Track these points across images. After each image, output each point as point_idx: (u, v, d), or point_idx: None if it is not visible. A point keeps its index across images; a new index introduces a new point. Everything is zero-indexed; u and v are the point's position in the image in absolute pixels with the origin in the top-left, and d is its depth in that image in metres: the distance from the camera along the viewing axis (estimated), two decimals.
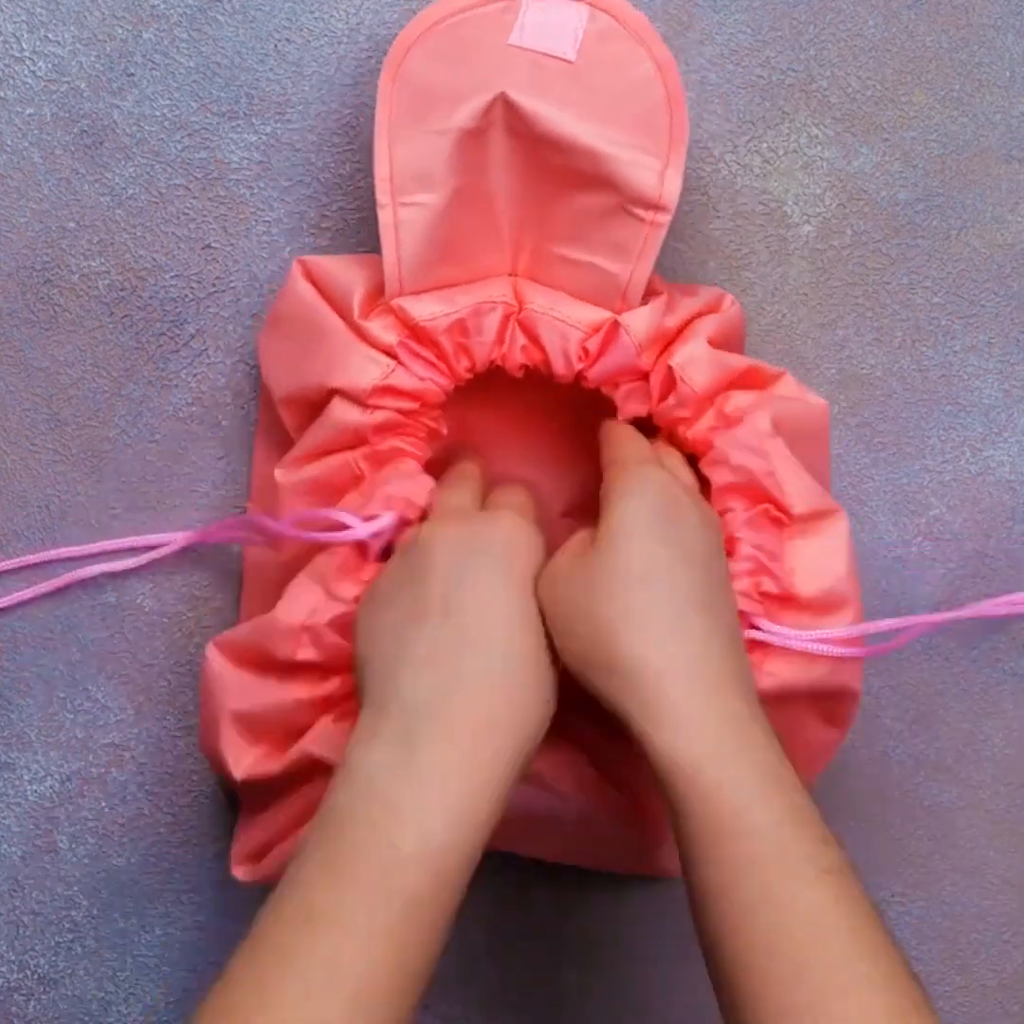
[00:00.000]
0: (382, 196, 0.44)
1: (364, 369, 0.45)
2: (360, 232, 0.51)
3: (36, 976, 0.52)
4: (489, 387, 0.49)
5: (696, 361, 0.46)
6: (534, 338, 0.46)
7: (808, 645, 0.45)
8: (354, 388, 0.45)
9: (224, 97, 0.50)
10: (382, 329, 0.46)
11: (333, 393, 0.46)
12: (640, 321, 0.45)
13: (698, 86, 0.51)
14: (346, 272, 0.47)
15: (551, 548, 0.46)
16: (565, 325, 0.46)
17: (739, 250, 0.52)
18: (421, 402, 0.46)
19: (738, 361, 0.47)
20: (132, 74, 0.50)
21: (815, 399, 0.49)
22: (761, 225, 0.52)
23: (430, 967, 0.37)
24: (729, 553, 0.45)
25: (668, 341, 0.47)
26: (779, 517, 0.46)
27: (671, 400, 0.46)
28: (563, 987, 0.53)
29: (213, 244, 0.51)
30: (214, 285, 0.51)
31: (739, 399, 0.47)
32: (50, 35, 0.49)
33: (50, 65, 0.49)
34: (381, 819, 0.37)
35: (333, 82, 0.50)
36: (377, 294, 0.47)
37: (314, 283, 0.47)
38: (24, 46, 0.49)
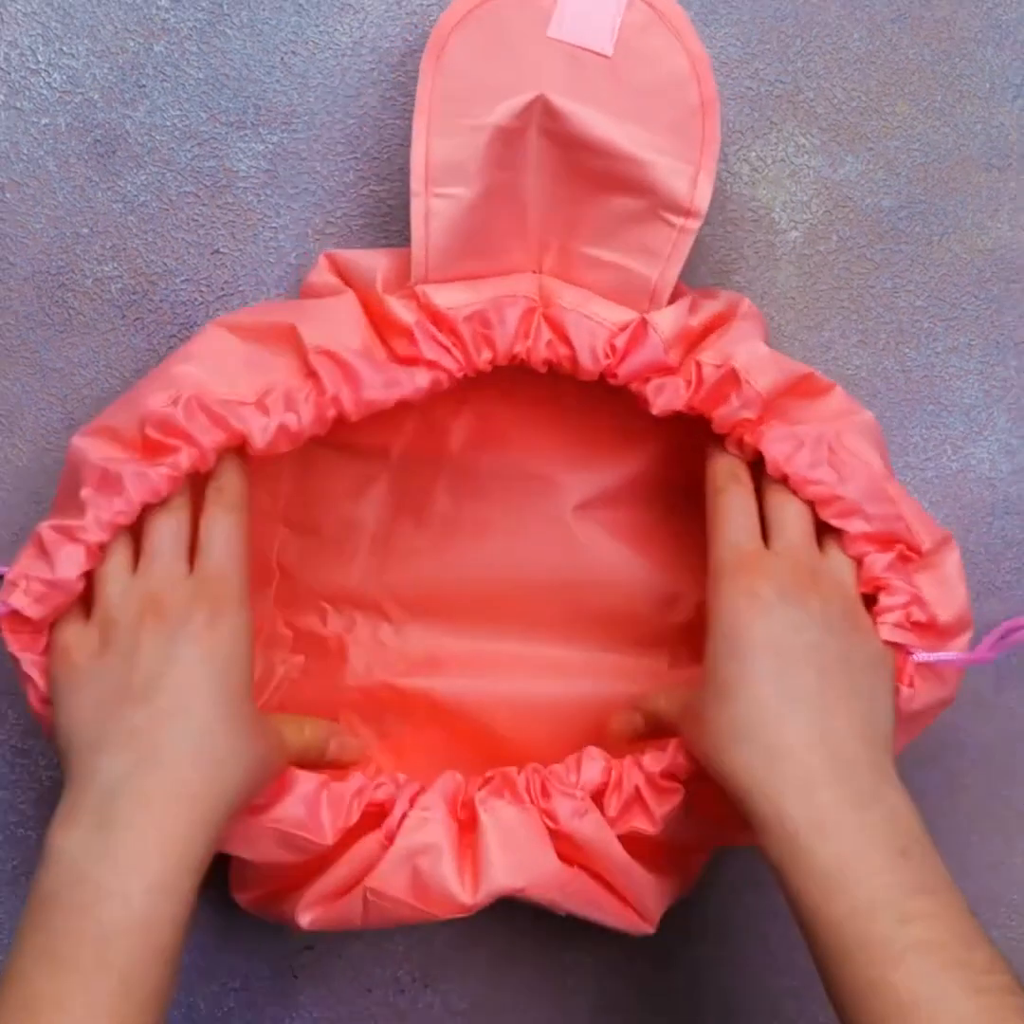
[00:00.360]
0: (416, 184, 0.45)
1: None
2: (364, 238, 0.52)
3: None
4: (506, 381, 0.50)
5: (759, 363, 0.46)
6: (561, 334, 0.46)
7: (959, 663, 0.47)
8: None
9: (232, 108, 0.51)
10: (402, 308, 0.46)
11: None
12: (667, 320, 0.46)
13: None
14: (370, 259, 0.48)
15: (563, 543, 0.48)
16: (592, 322, 0.46)
17: (729, 255, 0.53)
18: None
19: (796, 366, 0.47)
20: (144, 86, 0.50)
21: (866, 414, 0.48)
22: (750, 231, 0.53)
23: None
24: (877, 591, 0.46)
25: (693, 341, 0.47)
26: (910, 556, 0.46)
27: (734, 401, 0.46)
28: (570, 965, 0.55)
29: (222, 249, 0.52)
30: (223, 289, 0.52)
31: (802, 412, 0.47)
32: (65, 48, 0.50)
33: (65, 77, 0.50)
34: (87, 899, 0.38)
35: (337, 93, 0.51)
36: (401, 281, 0.47)
37: (338, 273, 0.48)
38: (40, 58, 0.50)
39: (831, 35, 0.52)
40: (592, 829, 0.46)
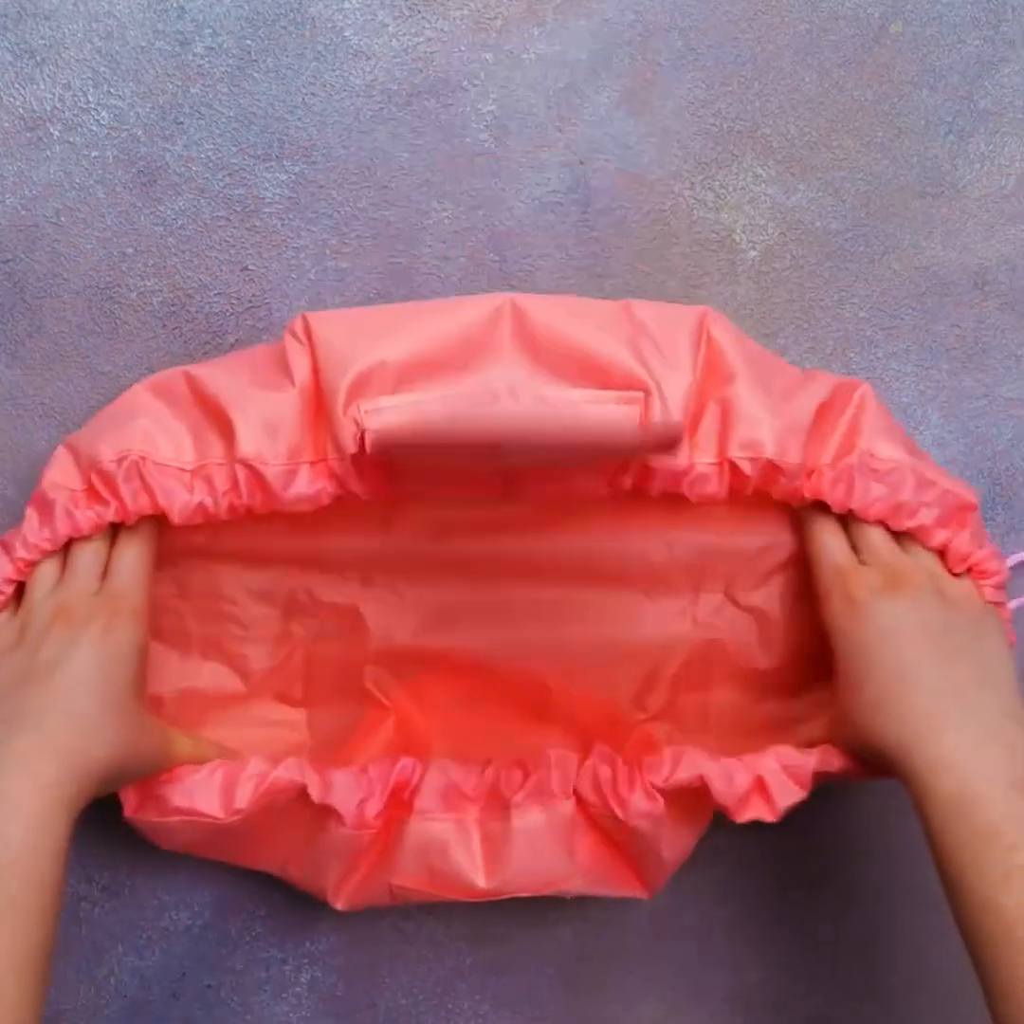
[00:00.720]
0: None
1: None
2: (373, 256, 0.57)
3: (100, 886, 0.60)
4: None
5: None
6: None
7: None
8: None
9: (259, 142, 0.56)
10: (347, 426, 0.48)
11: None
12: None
13: (661, 133, 0.57)
14: (345, 353, 0.48)
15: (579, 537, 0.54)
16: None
17: (695, 272, 0.58)
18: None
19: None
20: (181, 123, 0.56)
21: (869, 397, 0.53)
22: (714, 251, 0.58)
23: (44, 950, 0.43)
24: (971, 566, 0.52)
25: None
26: (968, 518, 0.52)
27: (783, 482, 0.50)
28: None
29: (250, 267, 0.57)
30: (251, 301, 0.57)
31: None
32: (112, 90, 0.56)
33: (112, 115, 0.56)
34: None
35: (351, 130, 0.56)
36: (369, 384, 0.48)
37: (308, 338, 0.50)
38: (90, 99, 0.56)
39: (785, 78, 0.57)
40: (650, 826, 0.50)
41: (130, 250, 0.56)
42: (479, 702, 0.57)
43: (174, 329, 0.57)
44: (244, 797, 0.49)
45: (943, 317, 0.59)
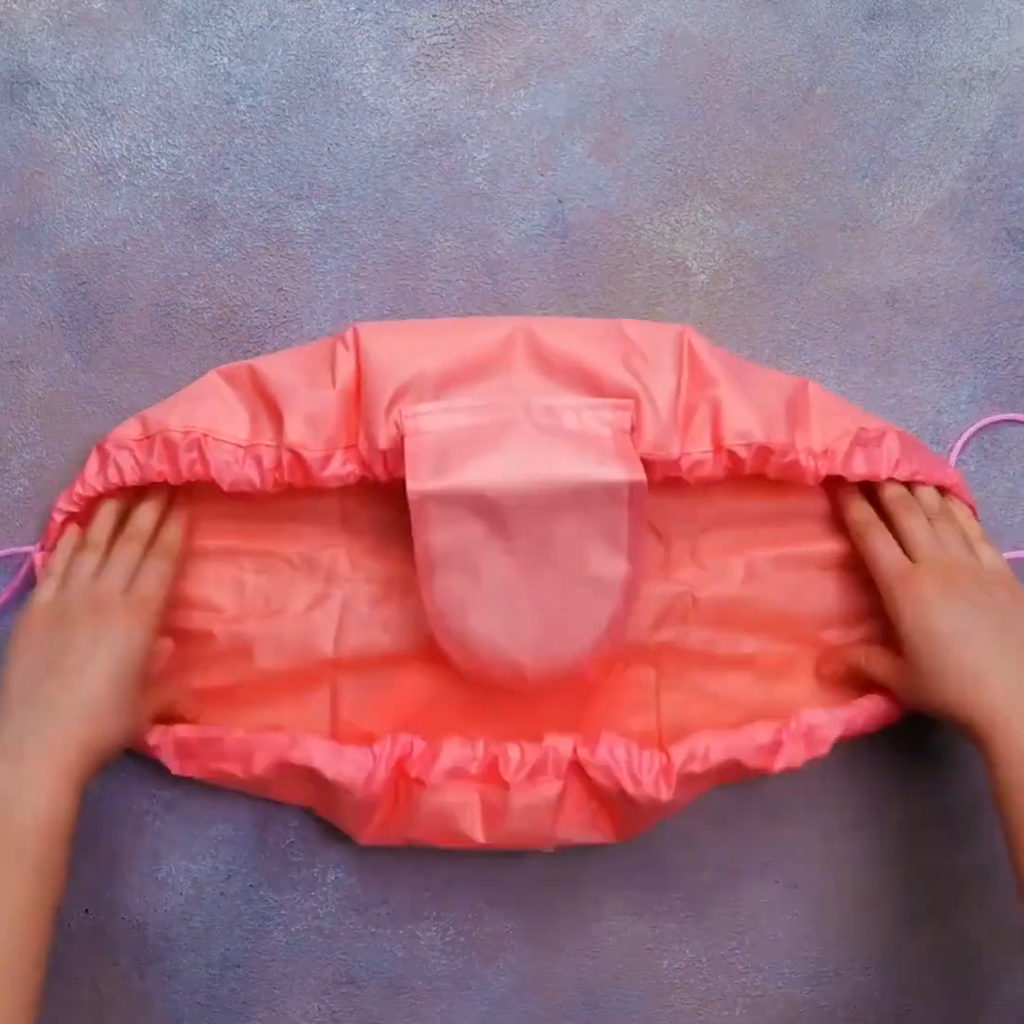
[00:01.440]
0: None
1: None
2: (387, 279, 0.64)
3: (161, 802, 0.68)
4: None
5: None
6: None
7: None
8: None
9: (292, 184, 0.64)
10: (384, 426, 0.56)
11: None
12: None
13: (626, 177, 0.64)
14: (393, 362, 0.57)
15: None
16: None
17: (654, 292, 0.65)
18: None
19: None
20: (227, 168, 0.64)
21: (814, 390, 0.62)
22: (670, 274, 0.65)
23: (57, 898, 0.53)
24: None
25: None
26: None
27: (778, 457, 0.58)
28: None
29: (284, 288, 0.64)
30: (285, 317, 0.64)
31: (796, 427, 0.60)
32: (170, 141, 0.64)
33: (170, 162, 0.64)
34: (5, 810, 0.52)
35: (369, 174, 0.64)
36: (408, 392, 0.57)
37: (356, 349, 0.58)
38: (151, 149, 0.64)
39: (729, 131, 0.65)
40: (655, 804, 0.57)
41: (185, 274, 0.64)
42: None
43: (221, 340, 0.65)
44: (261, 765, 0.58)
45: (860, 330, 0.66)
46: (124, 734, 0.57)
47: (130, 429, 0.60)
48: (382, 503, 0.65)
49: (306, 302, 0.65)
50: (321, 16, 0.64)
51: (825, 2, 0.66)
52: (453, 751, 0.59)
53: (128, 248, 0.64)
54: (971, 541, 0.62)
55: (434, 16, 0.65)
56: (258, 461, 0.59)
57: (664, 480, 0.60)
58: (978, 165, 0.66)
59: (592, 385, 0.58)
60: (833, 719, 0.59)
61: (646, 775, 0.57)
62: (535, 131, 0.65)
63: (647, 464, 0.57)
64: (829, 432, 0.61)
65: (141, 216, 0.64)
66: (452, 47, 0.65)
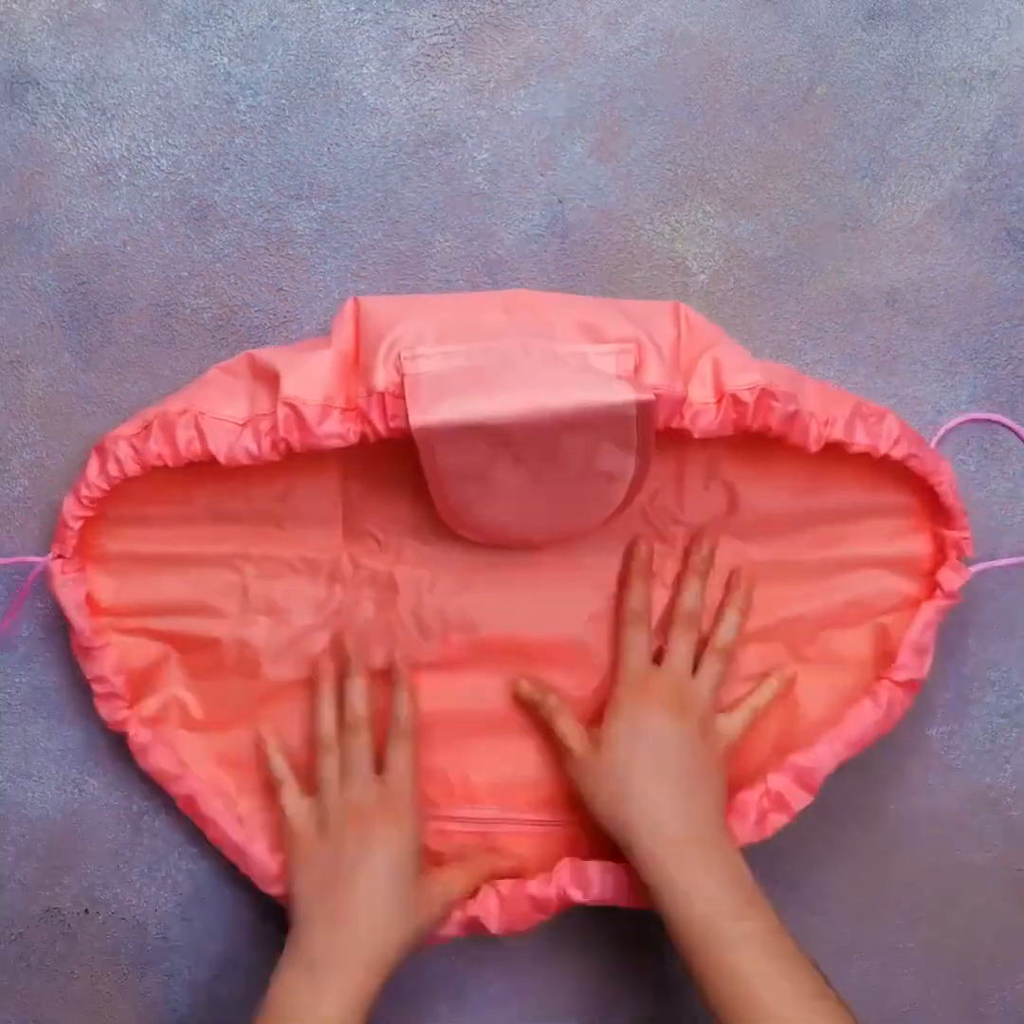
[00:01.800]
0: None
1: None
2: (387, 279, 0.64)
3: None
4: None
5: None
6: None
7: None
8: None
9: (292, 184, 0.64)
10: (383, 370, 0.55)
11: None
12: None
13: (626, 177, 0.65)
14: (392, 316, 0.56)
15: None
16: None
17: (654, 293, 0.65)
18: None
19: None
20: (227, 168, 0.64)
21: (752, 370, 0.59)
22: (671, 274, 0.65)
23: None
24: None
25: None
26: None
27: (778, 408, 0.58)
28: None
29: (284, 288, 0.65)
30: (285, 317, 0.65)
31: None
32: (170, 141, 0.64)
33: (170, 162, 0.64)
34: (297, 1019, 0.56)
35: (369, 174, 0.64)
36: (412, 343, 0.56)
37: (356, 319, 0.58)
38: (151, 149, 0.64)
39: (729, 131, 0.65)
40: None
41: (185, 274, 0.65)
42: (494, 671, 0.66)
43: (222, 340, 0.65)
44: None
45: (860, 330, 0.66)
46: (405, 935, 0.59)
47: (128, 427, 0.60)
48: (382, 505, 0.65)
49: (306, 302, 0.66)
50: (321, 16, 0.65)
51: (825, 2, 0.66)
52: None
53: (128, 248, 0.65)
54: (706, 653, 0.64)
55: (434, 16, 0.65)
56: (256, 430, 0.58)
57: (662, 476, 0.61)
58: (978, 165, 0.66)
59: (594, 336, 0.57)
60: (793, 793, 0.62)
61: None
62: (535, 131, 0.66)
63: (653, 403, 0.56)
64: (830, 405, 0.61)
65: (141, 216, 0.65)
66: (452, 47, 0.65)
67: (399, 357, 0.55)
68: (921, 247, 0.67)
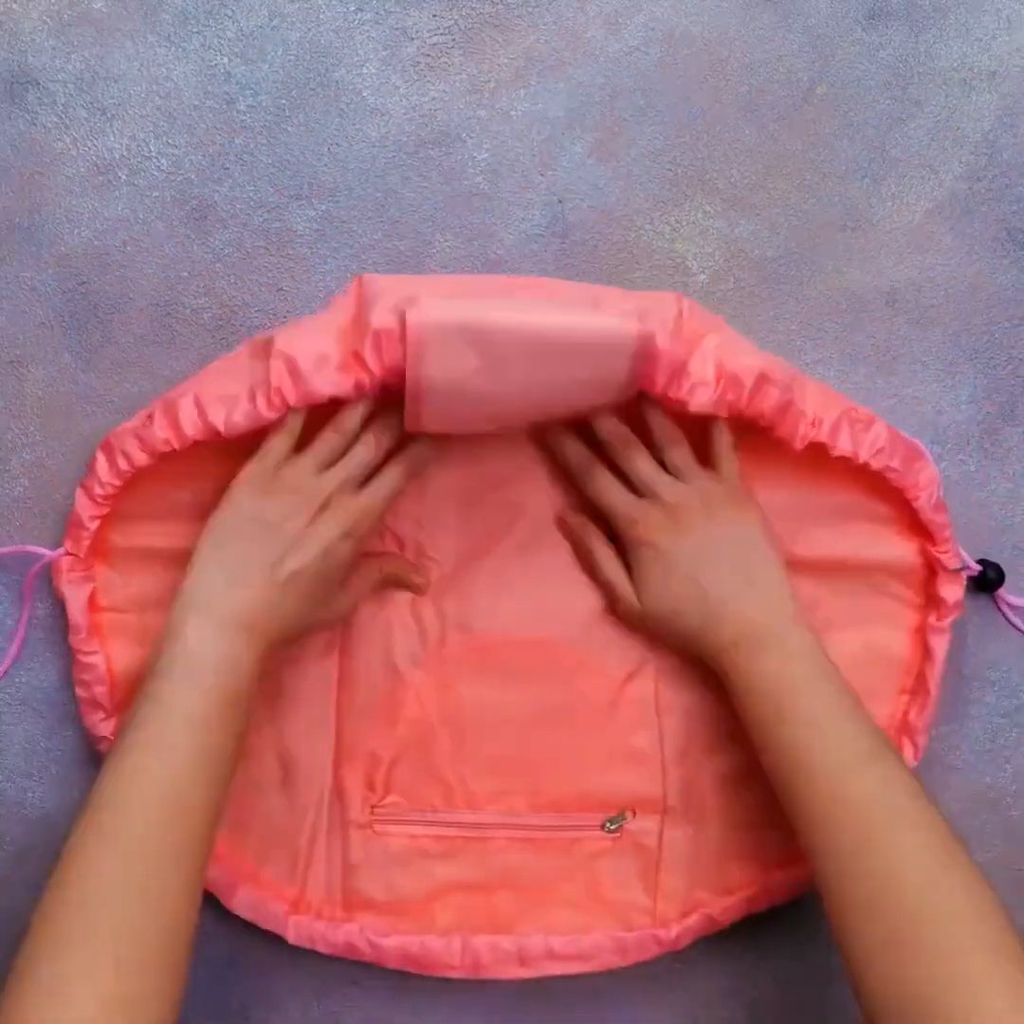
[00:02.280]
0: None
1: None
2: None
3: None
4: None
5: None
6: None
7: None
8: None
9: (292, 184, 0.65)
10: (382, 315, 0.54)
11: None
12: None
13: (626, 177, 0.65)
14: (399, 290, 0.55)
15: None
16: None
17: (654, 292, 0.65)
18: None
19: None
20: (227, 168, 0.65)
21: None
22: (670, 274, 0.66)
23: (237, 747, 0.55)
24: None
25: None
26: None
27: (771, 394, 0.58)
28: None
29: (284, 288, 0.65)
30: (285, 316, 0.65)
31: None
32: (170, 141, 0.65)
33: (170, 162, 0.65)
34: (200, 662, 0.55)
35: (369, 174, 0.65)
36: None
37: (358, 295, 0.57)
38: (151, 149, 0.65)
39: (729, 131, 0.66)
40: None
41: (185, 274, 0.65)
42: (494, 673, 0.65)
43: (222, 340, 0.65)
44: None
45: (860, 330, 0.67)
46: (327, 612, 0.60)
47: (131, 422, 0.61)
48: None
49: (306, 302, 0.66)
50: (321, 16, 0.65)
51: (825, 2, 0.66)
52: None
53: (128, 248, 0.65)
54: (712, 454, 0.62)
55: (434, 16, 0.65)
56: (251, 393, 0.57)
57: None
58: (978, 165, 0.67)
59: (598, 308, 0.57)
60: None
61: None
62: (535, 131, 0.66)
63: (650, 358, 0.56)
64: (822, 406, 0.61)
65: (141, 216, 0.65)
66: (452, 47, 0.65)
67: (400, 303, 0.55)
68: (921, 247, 0.67)
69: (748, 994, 0.68)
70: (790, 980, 0.68)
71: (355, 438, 0.59)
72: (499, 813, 0.65)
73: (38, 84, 0.64)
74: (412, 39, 0.65)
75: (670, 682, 0.66)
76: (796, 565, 0.65)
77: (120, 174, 0.65)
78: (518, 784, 0.65)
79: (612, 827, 0.65)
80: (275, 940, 0.65)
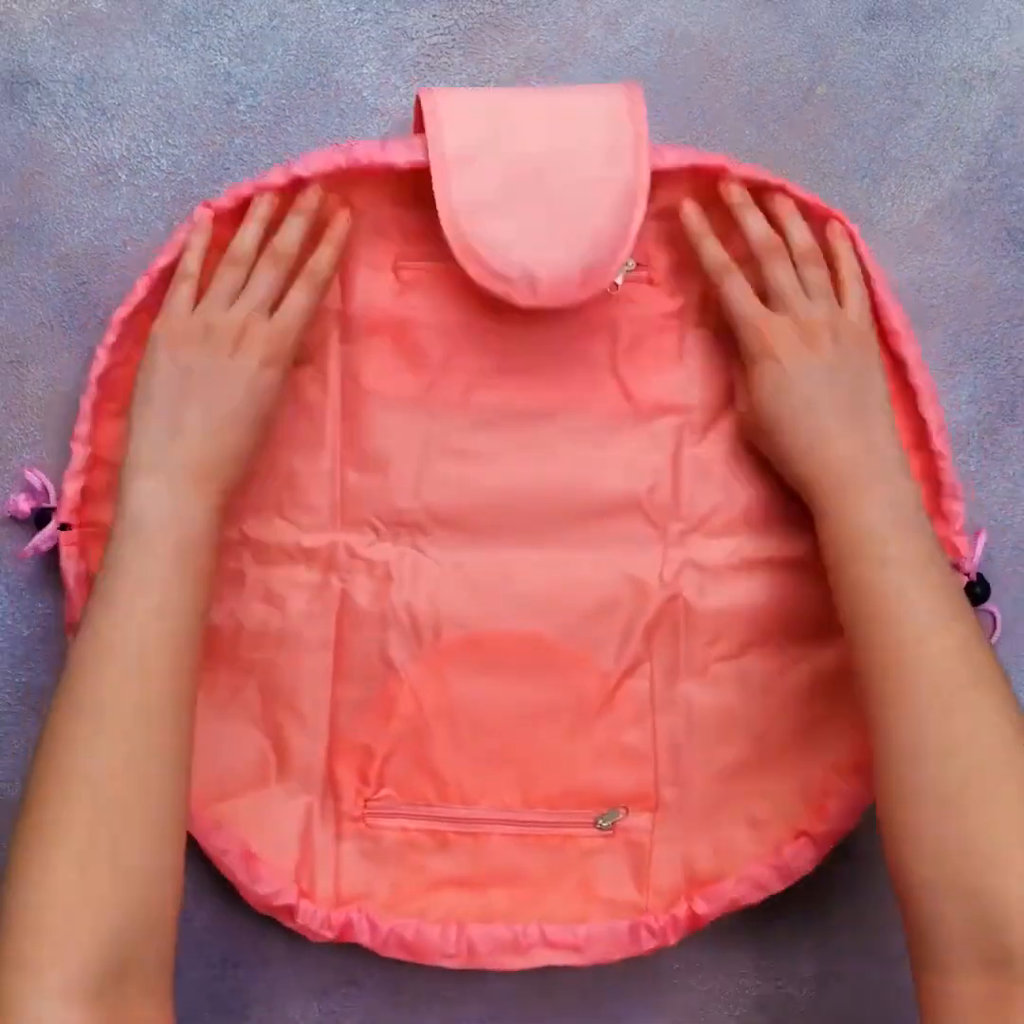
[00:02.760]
0: None
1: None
2: None
3: None
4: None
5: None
6: None
7: None
8: None
9: None
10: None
11: None
12: None
13: None
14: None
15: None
16: None
17: None
18: None
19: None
20: (228, 168, 0.65)
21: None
22: None
23: (210, 605, 0.56)
24: None
25: None
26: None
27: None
28: None
29: None
30: None
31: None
32: (170, 141, 0.65)
33: (170, 162, 0.65)
34: (156, 520, 0.55)
35: None
36: None
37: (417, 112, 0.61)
38: (151, 149, 0.65)
39: (730, 131, 0.66)
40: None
41: None
42: (488, 668, 0.65)
43: None
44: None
45: None
46: (246, 465, 0.59)
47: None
48: (380, 495, 0.65)
49: None
50: (321, 16, 0.65)
51: (825, 2, 0.66)
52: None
53: (128, 248, 0.65)
54: (842, 281, 0.62)
55: (434, 16, 0.65)
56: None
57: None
58: (978, 165, 0.67)
59: None
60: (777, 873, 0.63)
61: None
62: None
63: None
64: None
65: (141, 216, 0.65)
66: (452, 47, 0.65)
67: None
68: (921, 247, 0.67)
69: (748, 994, 0.69)
70: (790, 980, 0.69)
71: (253, 265, 0.60)
72: (492, 808, 0.65)
73: (38, 84, 0.65)
74: (412, 39, 0.65)
75: (665, 680, 0.66)
76: (796, 564, 0.65)
77: (120, 174, 0.65)
78: (511, 779, 0.65)
79: (605, 824, 0.65)
80: (275, 940, 0.66)
